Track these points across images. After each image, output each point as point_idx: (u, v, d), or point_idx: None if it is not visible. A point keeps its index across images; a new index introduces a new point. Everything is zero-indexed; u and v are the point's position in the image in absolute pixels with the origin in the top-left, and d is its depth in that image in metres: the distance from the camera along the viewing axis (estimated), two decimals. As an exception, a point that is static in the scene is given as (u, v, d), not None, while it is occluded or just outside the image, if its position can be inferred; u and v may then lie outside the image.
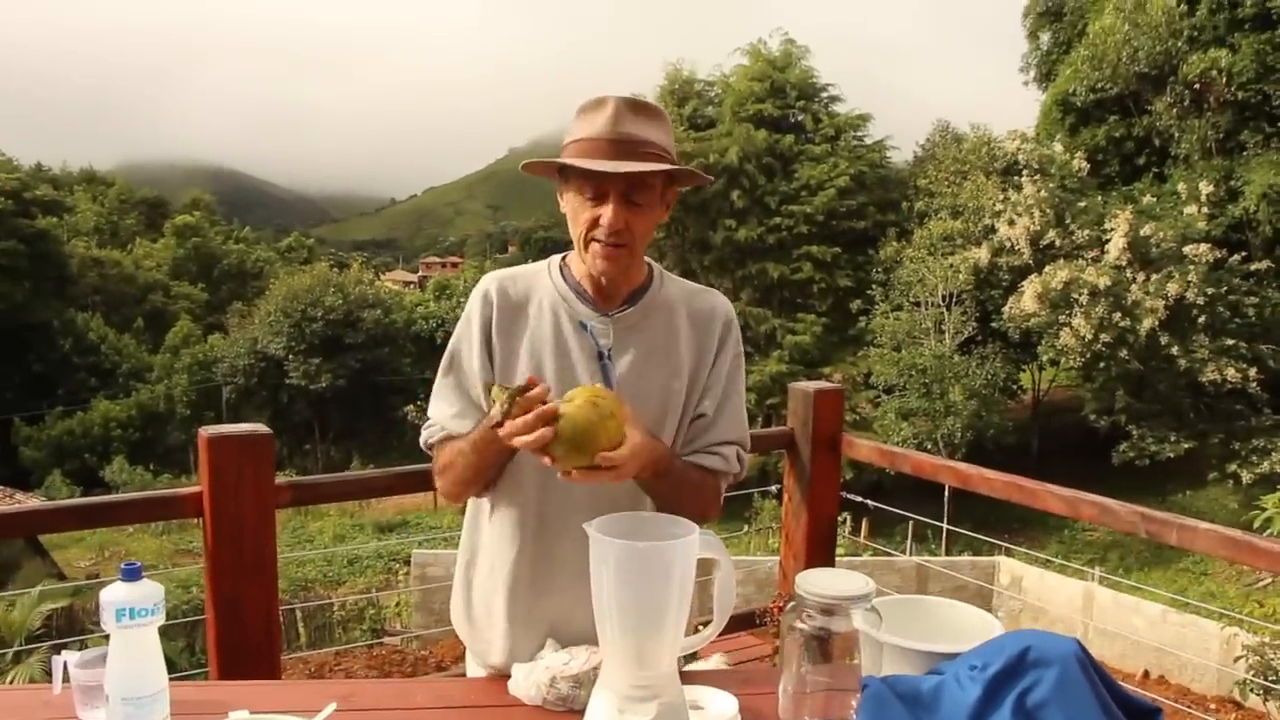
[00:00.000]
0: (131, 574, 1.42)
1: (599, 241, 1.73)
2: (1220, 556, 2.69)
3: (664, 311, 1.86)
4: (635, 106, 1.75)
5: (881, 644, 1.48)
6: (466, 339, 1.83)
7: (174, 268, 54.20)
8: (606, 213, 1.71)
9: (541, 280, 1.85)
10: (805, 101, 26.76)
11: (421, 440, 1.88)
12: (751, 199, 25.12)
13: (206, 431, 2.53)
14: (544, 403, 1.53)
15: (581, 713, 1.39)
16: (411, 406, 29.67)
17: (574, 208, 1.76)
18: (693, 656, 3.34)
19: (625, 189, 1.71)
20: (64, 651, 1.53)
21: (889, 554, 12.80)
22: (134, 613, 1.40)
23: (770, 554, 11.55)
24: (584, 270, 1.82)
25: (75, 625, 10.13)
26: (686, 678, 1.44)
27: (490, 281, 1.86)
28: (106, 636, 1.42)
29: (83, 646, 1.56)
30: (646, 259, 1.89)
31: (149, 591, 1.42)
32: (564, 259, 1.88)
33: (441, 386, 1.85)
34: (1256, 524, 6.51)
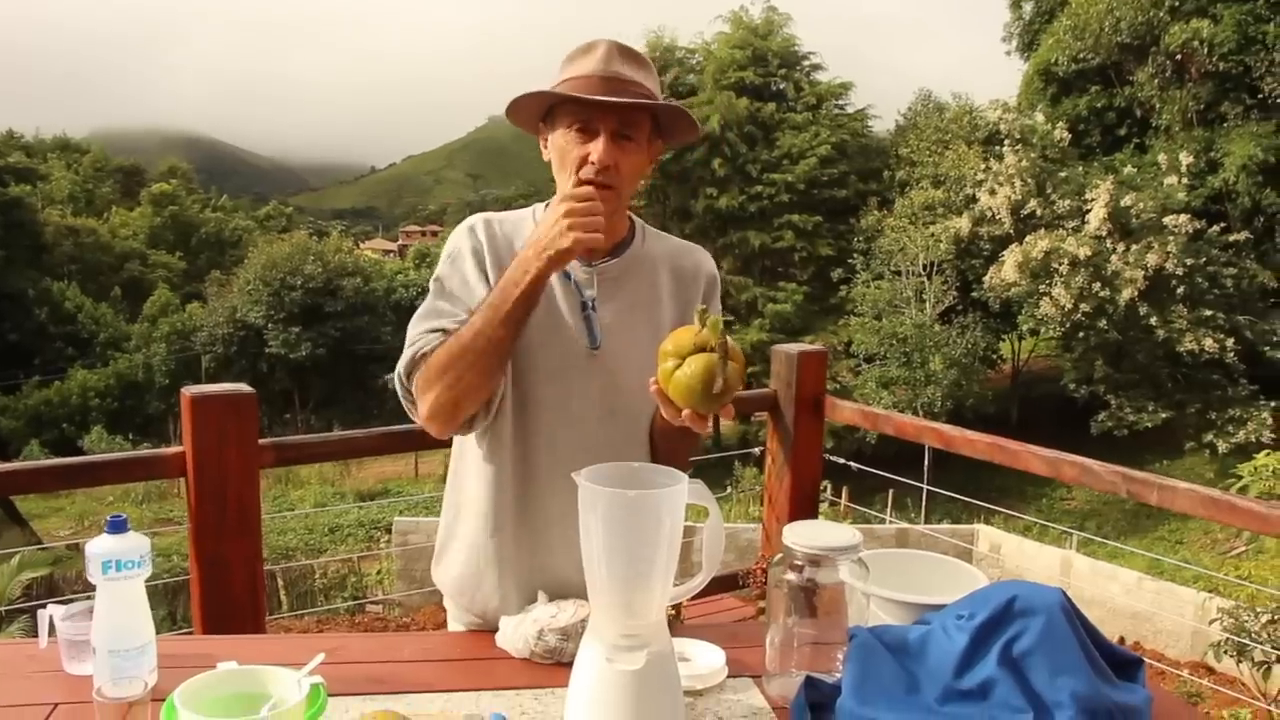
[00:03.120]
0: (118, 526, 1.41)
1: (588, 181, 1.70)
2: (1199, 516, 2.72)
3: (647, 266, 1.85)
4: (625, 50, 1.74)
5: (869, 596, 1.49)
6: (457, 267, 1.78)
7: (151, 236, 53.83)
8: (596, 147, 1.68)
9: (526, 226, 1.82)
10: (787, 70, 26.65)
11: (404, 359, 1.72)
12: (733, 167, 25.05)
13: (190, 391, 2.52)
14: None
15: (569, 665, 1.39)
16: (392, 375, 29.57)
17: (561, 149, 1.73)
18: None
19: (616, 125, 1.69)
20: (50, 605, 1.52)
21: (868, 514, 12.86)
22: (120, 564, 1.39)
23: (752, 522, 11.59)
24: None
25: (56, 593, 10.09)
26: (672, 633, 1.44)
27: (476, 220, 1.83)
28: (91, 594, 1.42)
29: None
30: (630, 214, 1.88)
31: (136, 544, 1.41)
32: (547, 206, 1.85)
33: (430, 305, 1.76)
34: (1233, 492, 6.58)
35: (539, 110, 1.79)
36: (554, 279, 1.75)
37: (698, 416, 1.52)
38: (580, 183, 1.70)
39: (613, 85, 1.69)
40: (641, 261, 1.85)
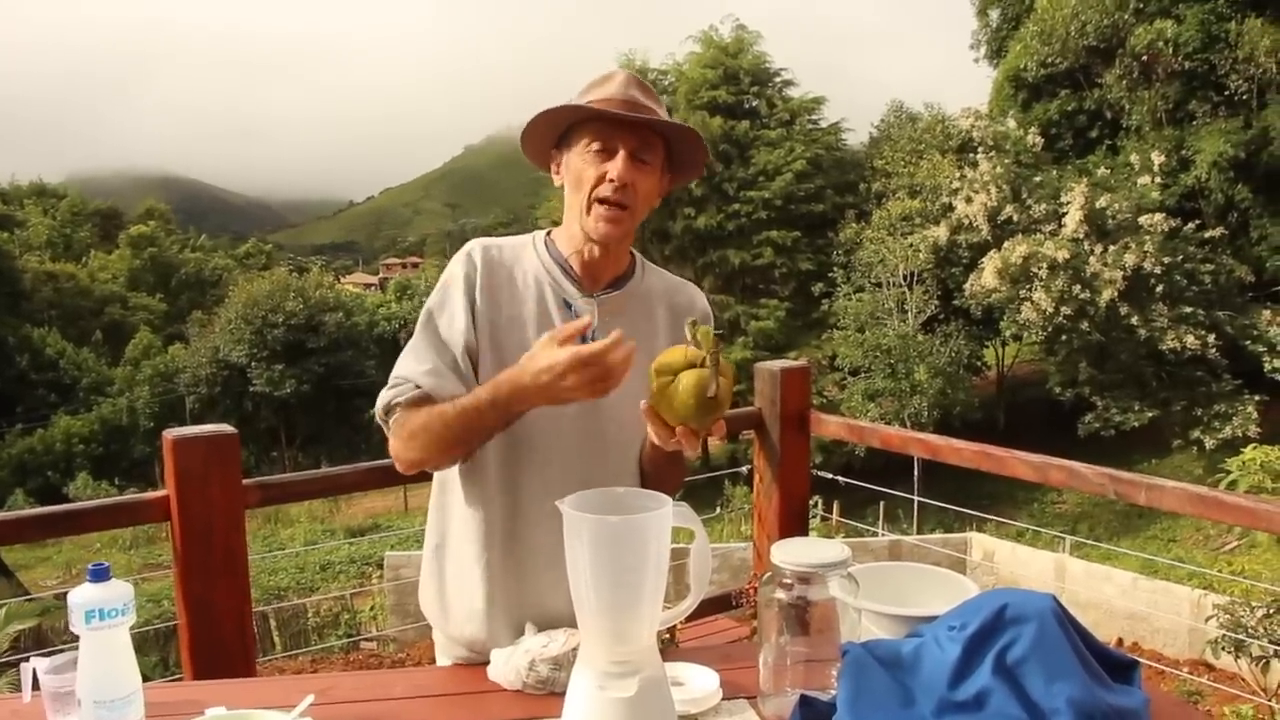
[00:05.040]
0: (99, 574, 1.39)
1: (604, 201, 1.71)
2: (1188, 513, 2.72)
3: (646, 300, 1.86)
4: (641, 82, 1.78)
5: (860, 610, 1.48)
6: (447, 298, 1.78)
7: (131, 279, 53.68)
8: (615, 165, 1.70)
9: (527, 253, 1.83)
10: (759, 87, 26.75)
11: (381, 401, 1.76)
12: (710, 186, 25.10)
13: (170, 434, 2.50)
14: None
15: (562, 695, 1.38)
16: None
17: (577, 168, 1.74)
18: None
19: (635, 145, 1.71)
20: (33, 658, 1.50)
21: (861, 528, 12.85)
22: (104, 613, 1.37)
23: (744, 540, 11.57)
24: (572, 247, 1.80)
25: (45, 645, 9.96)
26: (665, 657, 1.43)
27: (475, 246, 1.82)
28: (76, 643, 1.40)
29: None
30: (630, 248, 1.88)
31: (119, 591, 1.39)
32: (549, 234, 1.86)
33: (416, 344, 1.78)
34: (1222, 487, 6.59)
35: (553, 135, 1.80)
36: (553, 306, 1.78)
37: (690, 434, 1.52)
38: (595, 201, 1.72)
39: (632, 108, 1.72)
40: (640, 295, 1.85)
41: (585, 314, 1.75)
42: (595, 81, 1.77)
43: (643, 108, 1.73)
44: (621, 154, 1.70)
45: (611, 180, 1.70)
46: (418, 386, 1.73)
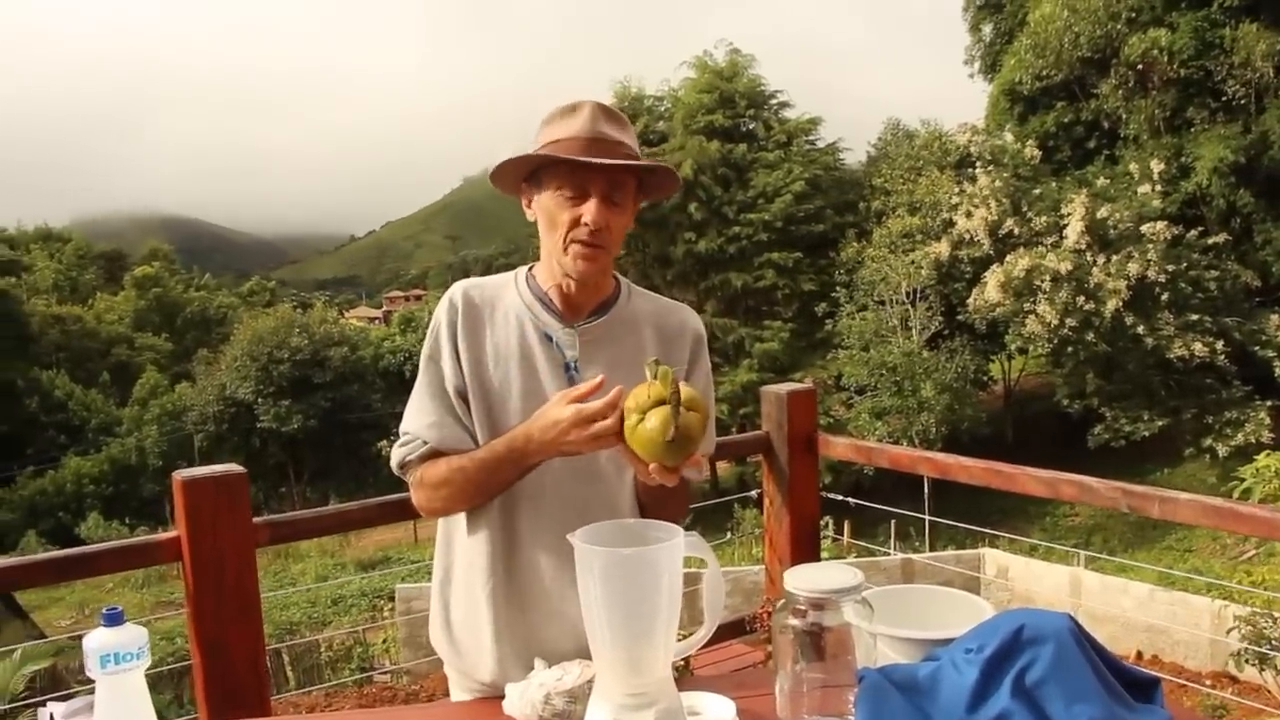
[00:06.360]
0: (114, 619, 1.40)
1: (580, 242, 1.71)
2: (1203, 525, 2.71)
3: (631, 325, 1.85)
4: (608, 111, 1.76)
5: (875, 635, 1.47)
6: (435, 345, 1.81)
7: (136, 319, 54.07)
8: (589, 209, 1.70)
9: (508, 290, 1.84)
10: (755, 110, 26.83)
11: (395, 459, 1.82)
12: (709, 210, 25.14)
13: (180, 475, 2.49)
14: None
15: (579, 727, 1.37)
16: (385, 442, 29.52)
17: (550, 211, 1.74)
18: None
19: (606, 188, 1.71)
20: (50, 703, 1.50)
21: (873, 548, 12.79)
22: (119, 658, 1.38)
23: (755, 563, 11.52)
24: (551, 281, 1.80)
25: (60, 685, 9.97)
26: (680, 685, 1.42)
27: (456, 289, 1.84)
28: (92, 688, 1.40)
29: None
30: (615, 274, 1.88)
31: (133, 635, 1.40)
32: (530, 270, 1.87)
33: (418, 395, 1.81)
34: (1235, 495, 6.54)
35: (522, 172, 1.80)
36: (534, 339, 1.78)
37: (665, 470, 1.52)
38: (571, 242, 1.71)
39: (600, 147, 1.70)
40: (625, 321, 1.84)
41: (566, 346, 1.77)
42: (563, 111, 1.76)
43: (613, 143, 1.71)
44: (595, 198, 1.70)
45: (586, 224, 1.70)
46: (425, 442, 1.78)
